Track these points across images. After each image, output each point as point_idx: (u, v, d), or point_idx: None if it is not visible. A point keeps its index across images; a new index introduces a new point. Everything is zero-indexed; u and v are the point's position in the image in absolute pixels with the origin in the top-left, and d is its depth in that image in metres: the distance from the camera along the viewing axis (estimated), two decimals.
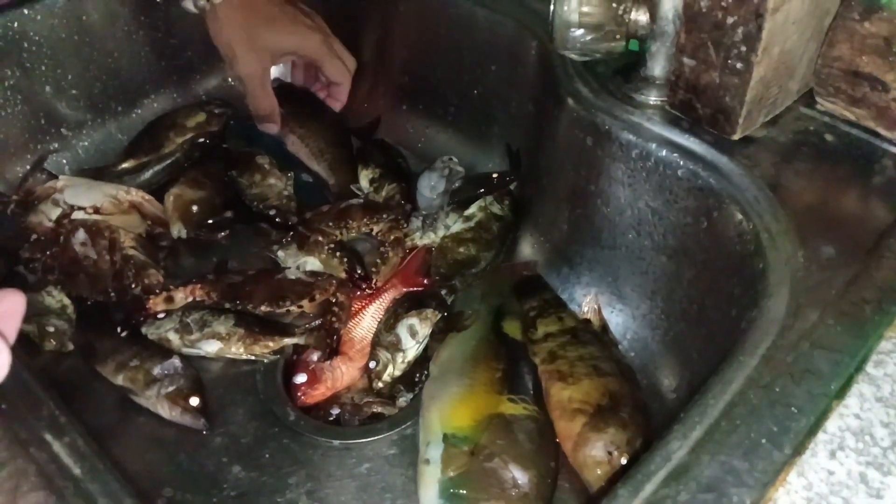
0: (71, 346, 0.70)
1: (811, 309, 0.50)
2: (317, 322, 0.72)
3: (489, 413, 0.61)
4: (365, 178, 0.86)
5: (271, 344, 0.70)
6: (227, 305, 0.73)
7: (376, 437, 0.66)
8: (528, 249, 0.81)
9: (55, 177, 0.81)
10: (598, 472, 0.60)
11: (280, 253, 0.79)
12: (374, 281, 0.76)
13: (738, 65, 0.57)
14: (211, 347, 0.70)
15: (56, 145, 0.87)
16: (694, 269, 0.64)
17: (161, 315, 0.72)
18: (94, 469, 0.45)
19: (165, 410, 0.65)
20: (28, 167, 0.83)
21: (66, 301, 0.72)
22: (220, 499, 0.61)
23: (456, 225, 0.80)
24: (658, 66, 0.64)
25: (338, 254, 0.77)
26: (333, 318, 0.72)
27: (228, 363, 0.71)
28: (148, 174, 0.84)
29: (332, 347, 0.70)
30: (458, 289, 0.76)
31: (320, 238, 0.79)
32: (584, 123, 0.68)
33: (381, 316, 0.75)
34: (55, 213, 0.77)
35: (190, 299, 0.73)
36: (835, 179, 0.60)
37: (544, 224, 0.80)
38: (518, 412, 0.61)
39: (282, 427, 0.66)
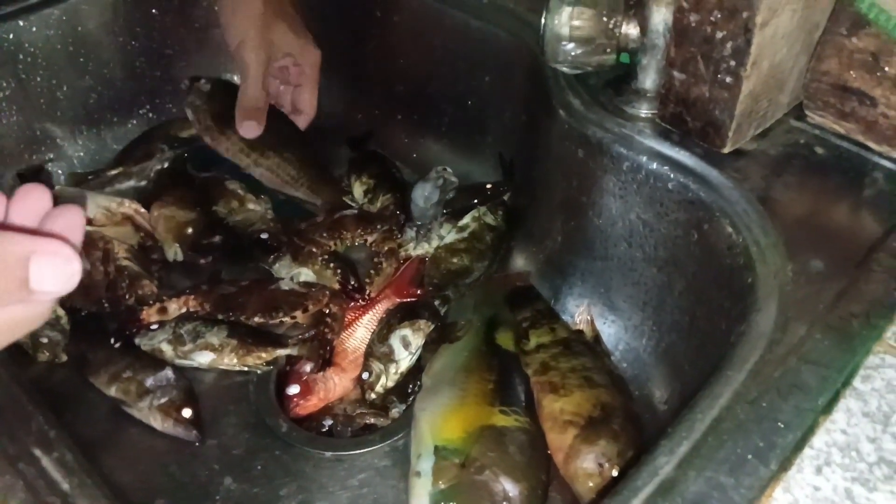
0: (64, 357, 0.70)
1: (799, 323, 0.50)
2: (310, 333, 0.72)
3: (480, 425, 0.61)
4: (359, 188, 0.87)
5: (264, 355, 0.70)
6: (221, 316, 0.73)
7: (369, 449, 0.66)
8: (521, 260, 0.82)
9: (50, 187, 0.82)
10: (590, 485, 0.60)
11: (274, 264, 0.79)
12: (367, 292, 0.77)
13: (728, 79, 0.57)
14: (204, 358, 0.70)
15: (50, 156, 0.87)
16: (685, 281, 0.65)
17: (154, 326, 0.72)
18: (83, 484, 0.45)
19: (158, 422, 0.65)
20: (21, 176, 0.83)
21: (60, 312, 0.72)
22: None
23: (450, 235, 0.81)
24: (649, 79, 0.65)
25: (331, 265, 0.77)
26: (326, 329, 0.72)
27: (221, 374, 0.71)
28: (136, 184, 0.84)
29: (325, 358, 0.70)
30: (451, 299, 0.77)
31: (314, 249, 0.79)
32: (575, 135, 0.68)
33: (374, 327, 0.75)
34: None
35: (183, 310, 0.73)
36: (825, 192, 0.61)
37: (537, 235, 0.80)
38: (509, 424, 0.61)
39: (274, 438, 0.66)
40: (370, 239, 0.81)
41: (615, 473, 0.59)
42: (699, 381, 0.49)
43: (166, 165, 0.85)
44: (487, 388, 0.64)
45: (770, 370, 0.47)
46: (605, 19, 0.63)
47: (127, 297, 0.73)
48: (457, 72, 0.86)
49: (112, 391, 0.67)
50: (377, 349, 0.72)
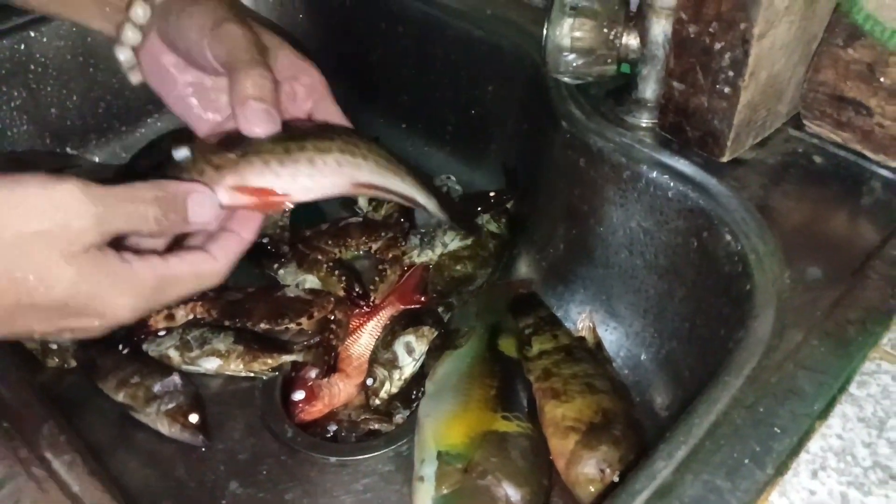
0: (73, 363, 0.71)
1: (796, 330, 0.51)
2: (315, 339, 0.73)
3: (483, 430, 0.62)
4: (364, 196, 0.88)
5: (270, 361, 0.71)
6: (227, 323, 0.74)
7: (373, 454, 0.67)
8: (524, 267, 0.83)
9: None
10: (591, 490, 0.61)
11: (280, 271, 0.80)
12: (371, 299, 0.77)
13: (726, 89, 0.58)
14: (210, 364, 0.71)
15: (62, 164, 0.89)
16: (685, 288, 0.65)
17: (162, 332, 0.73)
18: (93, 487, 0.46)
19: (165, 427, 0.66)
20: None
21: None
22: None
23: (453, 243, 0.82)
24: (649, 89, 0.65)
25: (336, 272, 0.78)
26: (331, 336, 0.73)
27: (227, 380, 0.72)
28: None
29: (330, 364, 0.71)
30: (454, 306, 0.77)
31: (319, 256, 0.80)
32: (576, 144, 0.69)
33: (378, 333, 0.76)
34: None
35: (190, 317, 0.74)
36: (822, 201, 0.61)
37: (540, 242, 0.81)
38: (512, 429, 0.62)
39: (279, 443, 0.67)
40: (375, 246, 0.82)
41: (616, 479, 0.60)
42: (700, 388, 0.50)
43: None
44: (490, 395, 0.65)
45: (767, 376, 0.48)
46: (605, 30, 0.64)
47: None
48: (460, 82, 0.87)
49: (120, 396, 0.68)
50: (381, 355, 0.72)
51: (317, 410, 0.69)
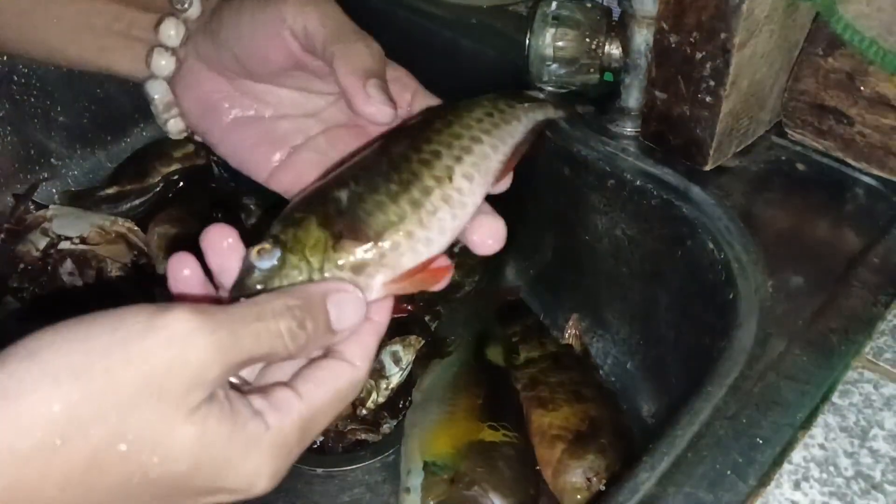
0: None
1: (779, 338, 0.51)
2: None
3: (469, 440, 0.62)
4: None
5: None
6: None
7: (359, 465, 0.67)
8: (511, 275, 0.83)
9: (45, 206, 0.83)
10: (578, 498, 0.61)
11: None
12: None
13: (708, 98, 0.58)
14: None
15: (46, 175, 0.88)
16: (670, 296, 0.66)
17: None
18: None
19: None
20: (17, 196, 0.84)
21: None
22: None
23: None
24: (632, 98, 0.66)
25: None
26: None
27: None
28: (131, 203, 0.85)
29: None
30: (441, 314, 0.77)
31: None
32: (561, 153, 0.69)
33: None
34: (43, 242, 0.78)
35: None
36: (805, 208, 0.62)
37: (527, 250, 0.81)
38: (498, 439, 0.62)
39: None
40: None
41: (603, 487, 0.60)
42: (686, 396, 0.50)
43: (161, 187, 0.86)
44: (476, 404, 0.65)
45: (749, 386, 0.48)
46: (587, 40, 0.64)
47: None
48: (446, 91, 0.86)
49: None
50: None
51: None
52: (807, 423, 0.46)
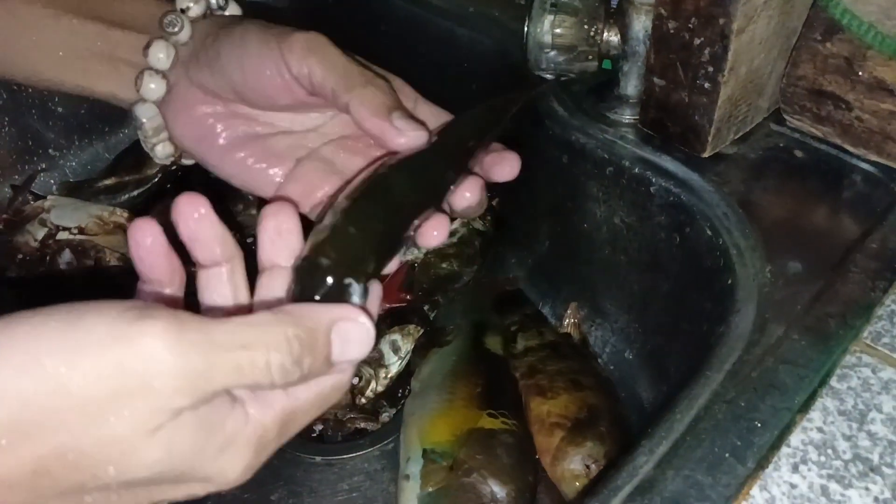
0: None
1: (777, 324, 0.51)
2: None
3: (468, 428, 0.62)
4: None
5: None
6: None
7: (359, 453, 0.67)
8: (509, 264, 0.83)
9: (43, 197, 0.83)
10: (576, 486, 0.61)
11: None
12: None
13: (706, 84, 0.58)
14: None
15: (44, 165, 0.88)
16: (668, 283, 0.66)
17: None
18: None
19: None
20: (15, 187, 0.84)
21: None
22: None
23: None
24: (631, 86, 0.66)
25: None
26: None
27: None
28: (129, 194, 0.84)
29: None
30: (440, 304, 0.77)
31: None
32: (559, 141, 0.69)
33: None
34: (41, 233, 0.78)
35: None
36: (804, 195, 0.62)
37: (525, 239, 0.81)
38: (497, 427, 0.62)
39: None
40: None
41: None
42: (684, 383, 0.50)
43: (159, 178, 0.86)
44: (475, 392, 0.65)
45: (748, 370, 0.48)
46: (586, 27, 0.64)
47: None
48: (444, 80, 0.86)
49: None
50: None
51: None
52: (805, 407, 0.46)
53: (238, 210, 0.83)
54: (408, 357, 0.72)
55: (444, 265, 0.79)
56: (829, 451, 0.44)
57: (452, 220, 0.79)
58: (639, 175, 0.64)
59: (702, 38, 0.56)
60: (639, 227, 0.66)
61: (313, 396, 0.33)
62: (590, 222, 0.70)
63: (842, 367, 0.48)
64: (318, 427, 0.69)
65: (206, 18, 0.48)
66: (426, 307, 0.77)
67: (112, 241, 0.79)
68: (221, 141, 0.46)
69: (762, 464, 0.43)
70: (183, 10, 0.47)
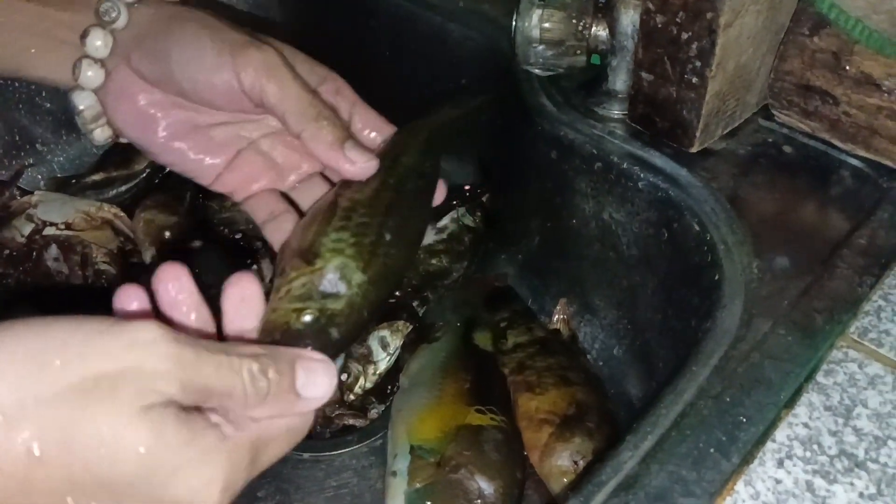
0: None
1: (763, 319, 0.51)
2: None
3: (456, 424, 0.62)
4: None
5: None
6: None
7: (346, 450, 0.66)
8: (499, 261, 0.82)
9: (30, 192, 0.82)
10: (564, 482, 0.61)
11: (253, 267, 0.79)
12: None
13: (694, 79, 0.58)
14: None
15: (31, 160, 0.88)
16: (657, 279, 0.65)
17: None
18: None
19: None
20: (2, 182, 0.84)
21: None
22: None
23: (428, 237, 0.81)
24: (619, 81, 0.65)
25: None
26: None
27: None
28: (117, 189, 0.84)
29: None
30: (429, 300, 0.77)
31: None
32: (548, 137, 0.68)
33: None
34: (28, 228, 0.77)
35: None
36: (792, 191, 0.61)
37: (515, 236, 0.81)
38: (485, 423, 0.62)
39: None
40: None
41: None
42: (670, 379, 0.50)
43: (147, 173, 0.85)
44: (464, 388, 0.65)
45: (734, 366, 0.48)
46: (574, 21, 0.63)
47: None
48: (433, 75, 0.86)
49: None
50: (355, 350, 0.72)
51: None
52: (791, 403, 0.46)
53: (225, 205, 0.83)
54: (396, 353, 0.72)
55: (433, 261, 0.79)
56: (815, 447, 0.44)
57: (442, 216, 0.79)
58: (627, 170, 0.64)
59: (689, 33, 0.56)
60: (627, 223, 0.66)
61: (284, 430, 0.35)
62: (579, 218, 0.70)
63: (828, 362, 0.48)
64: None
65: (144, 2, 0.47)
66: (415, 303, 0.77)
67: (99, 237, 0.78)
68: (162, 131, 0.47)
69: (747, 459, 0.43)
70: None
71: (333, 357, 0.37)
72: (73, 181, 0.85)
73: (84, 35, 0.45)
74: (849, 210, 0.59)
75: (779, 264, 0.55)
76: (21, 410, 0.27)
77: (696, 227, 0.59)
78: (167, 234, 0.78)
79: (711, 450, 0.43)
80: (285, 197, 0.50)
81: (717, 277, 0.55)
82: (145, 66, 0.45)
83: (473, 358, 0.70)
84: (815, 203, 0.61)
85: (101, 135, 0.49)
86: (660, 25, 0.57)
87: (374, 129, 0.51)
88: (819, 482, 0.42)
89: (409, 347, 0.72)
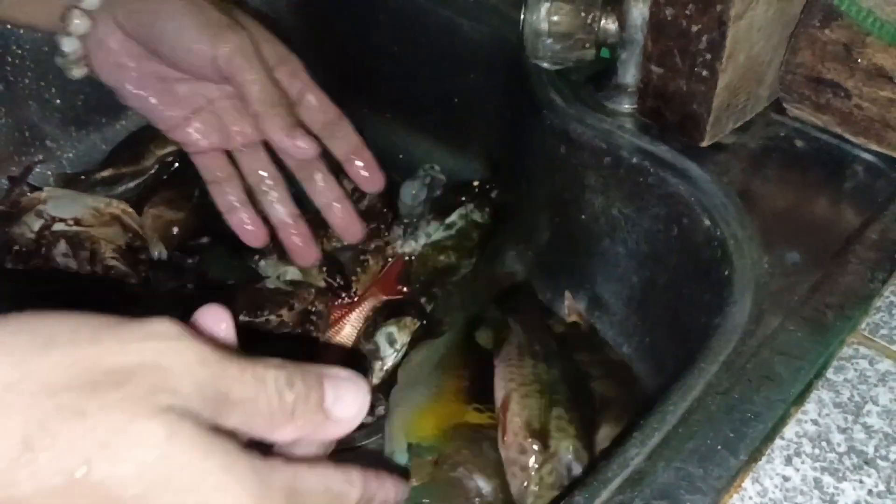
0: None
1: (773, 315, 0.50)
2: (296, 331, 0.72)
3: (455, 422, 0.61)
4: (346, 187, 0.87)
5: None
6: None
7: (352, 446, 0.66)
8: (509, 257, 0.82)
9: (40, 189, 0.82)
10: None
11: (260, 262, 0.79)
12: (353, 290, 0.77)
13: (704, 72, 0.57)
14: None
15: (41, 157, 0.88)
16: (666, 275, 0.65)
17: None
18: None
19: None
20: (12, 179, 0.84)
21: None
22: None
23: (437, 233, 0.81)
24: (629, 74, 0.65)
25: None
26: (311, 328, 0.72)
27: None
28: (126, 185, 0.84)
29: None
30: (437, 297, 0.77)
31: None
32: (557, 131, 0.68)
33: (360, 324, 0.75)
34: (37, 224, 0.77)
35: None
36: (803, 185, 0.61)
37: (524, 232, 0.80)
38: (484, 421, 0.61)
39: None
40: None
41: None
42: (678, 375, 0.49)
43: (156, 169, 0.86)
44: (462, 386, 0.64)
45: (743, 362, 0.47)
46: (583, 14, 0.63)
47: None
48: (442, 70, 0.86)
49: None
50: (363, 347, 0.72)
51: None
52: (800, 399, 0.45)
53: None
54: (404, 350, 0.72)
55: (441, 257, 0.79)
56: (824, 444, 0.43)
57: (451, 212, 0.79)
58: (637, 165, 0.63)
59: (699, 25, 0.55)
60: (637, 218, 0.65)
61: (321, 484, 0.31)
62: (588, 213, 0.69)
63: (838, 358, 0.48)
64: None
65: None
66: (423, 300, 0.76)
67: (108, 233, 0.78)
68: (132, 80, 0.54)
69: (755, 456, 0.43)
70: None
71: None
72: (83, 178, 0.85)
73: None
74: (861, 205, 0.58)
75: (789, 259, 0.54)
76: (17, 396, 0.24)
77: (707, 222, 0.58)
78: (175, 230, 0.78)
79: (719, 446, 0.43)
80: (230, 158, 0.60)
81: (727, 273, 0.54)
82: (129, 24, 0.52)
83: (473, 355, 0.69)
84: (827, 197, 0.60)
85: (78, 73, 0.57)
86: (669, 18, 0.57)
87: (321, 111, 0.60)
88: (828, 479, 0.42)
89: (416, 344, 0.72)
